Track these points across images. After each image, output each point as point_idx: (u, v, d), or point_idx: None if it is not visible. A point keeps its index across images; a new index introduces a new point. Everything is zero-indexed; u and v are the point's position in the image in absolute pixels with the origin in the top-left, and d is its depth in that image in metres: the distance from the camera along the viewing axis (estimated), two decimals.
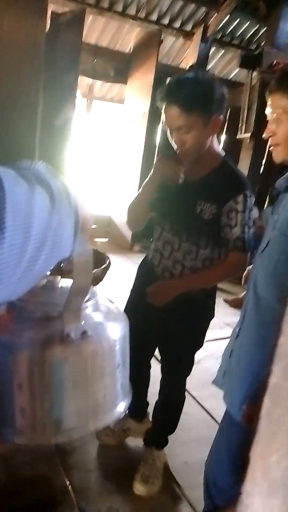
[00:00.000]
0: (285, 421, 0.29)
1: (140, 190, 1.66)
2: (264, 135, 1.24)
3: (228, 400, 1.33)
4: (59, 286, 0.78)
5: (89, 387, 0.71)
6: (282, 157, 1.23)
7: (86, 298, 0.74)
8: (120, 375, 0.77)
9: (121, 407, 0.76)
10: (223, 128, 6.32)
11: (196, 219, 1.53)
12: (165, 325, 1.71)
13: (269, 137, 1.24)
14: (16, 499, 1.69)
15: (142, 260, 1.84)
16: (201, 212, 1.52)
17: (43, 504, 1.69)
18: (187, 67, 5.83)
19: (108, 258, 1.91)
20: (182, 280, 1.63)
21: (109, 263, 1.87)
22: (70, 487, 1.78)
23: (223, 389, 1.36)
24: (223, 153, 1.59)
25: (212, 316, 1.78)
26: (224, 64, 6.67)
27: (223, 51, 6.37)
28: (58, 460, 1.91)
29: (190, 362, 1.84)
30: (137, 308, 1.74)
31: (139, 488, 1.81)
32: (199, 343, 1.81)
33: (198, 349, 1.83)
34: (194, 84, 1.43)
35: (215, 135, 1.55)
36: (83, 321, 0.71)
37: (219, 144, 1.61)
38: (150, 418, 2.02)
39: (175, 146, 1.52)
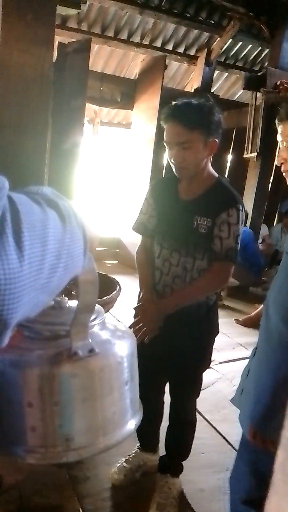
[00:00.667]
0: None
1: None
2: (276, 163, 1.28)
3: (241, 418, 1.31)
4: (67, 306, 0.79)
5: (98, 403, 0.71)
6: None
7: (93, 317, 0.75)
8: (129, 392, 0.77)
9: (131, 424, 0.76)
10: (215, 151, 6.37)
11: (193, 233, 1.61)
12: (170, 347, 1.71)
13: (281, 164, 1.26)
14: None
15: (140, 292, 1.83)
16: (197, 226, 1.61)
17: None
18: (192, 90, 5.94)
19: (118, 283, 1.91)
20: (168, 299, 1.65)
21: (119, 288, 1.87)
22: None
23: (240, 408, 1.35)
24: (216, 174, 1.70)
25: (217, 332, 1.78)
26: (228, 85, 6.78)
27: (227, 73, 6.48)
28: (71, 488, 1.87)
29: (199, 382, 1.83)
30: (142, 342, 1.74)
31: None
32: (206, 361, 1.81)
33: (206, 367, 1.83)
34: (199, 106, 1.55)
35: (210, 158, 1.66)
36: (90, 339, 0.71)
37: (222, 164, 1.68)
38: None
39: (173, 163, 1.60)
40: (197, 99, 1.61)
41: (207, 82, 5.92)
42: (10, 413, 0.70)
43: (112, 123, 6.58)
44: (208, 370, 3.37)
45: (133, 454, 1.99)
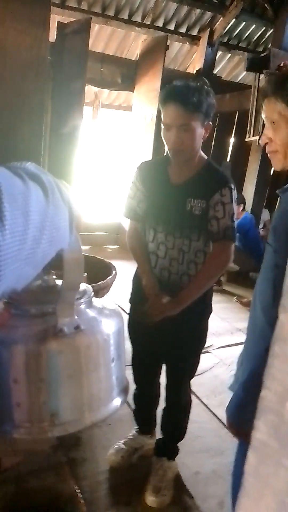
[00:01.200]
0: (273, 481, 0.27)
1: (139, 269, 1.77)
2: (260, 142, 1.21)
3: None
4: (54, 284, 0.80)
5: (84, 380, 0.73)
6: (282, 165, 1.17)
7: (80, 296, 0.76)
8: (115, 369, 0.78)
9: (117, 401, 0.78)
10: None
11: (187, 216, 1.62)
12: (166, 330, 1.71)
13: (265, 144, 1.18)
14: (25, 509, 1.68)
15: (136, 272, 1.84)
16: (191, 208, 1.61)
17: None
18: (194, 72, 5.83)
19: (114, 268, 1.90)
20: (178, 301, 1.63)
21: (115, 273, 1.86)
22: (80, 498, 1.77)
23: None
24: (206, 156, 1.70)
25: (211, 311, 1.81)
26: (231, 67, 6.65)
27: (229, 54, 6.36)
28: (68, 470, 1.90)
29: (195, 363, 1.85)
30: (138, 322, 1.75)
31: (150, 500, 1.79)
32: (201, 342, 1.82)
33: (202, 348, 1.84)
34: (198, 89, 1.54)
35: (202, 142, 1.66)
36: (77, 316, 0.73)
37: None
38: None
39: (169, 145, 1.59)
40: (193, 81, 1.59)
41: (210, 63, 5.81)
42: None
43: (112, 106, 6.49)
44: (206, 354, 3.40)
45: (131, 437, 2.02)
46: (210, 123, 1.60)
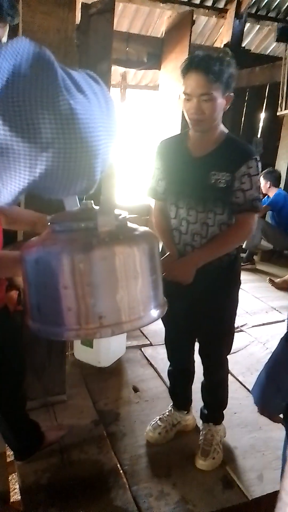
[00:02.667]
0: None
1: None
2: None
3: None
4: (91, 207, 0.87)
5: (126, 286, 0.79)
6: None
7: (119, 216, 0.83)
8: (153, 284, 0.85)
9: (155, 313, 0.84)
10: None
11: (211, 189, 1.61)
12: (196, 302, 1.73)
13: None
14: (69, 481, 1.76)
15: (162, 248, 1.84)
16: (215, 182, 1.60)
17: (96, 486, 1.75)
18: (222, 46, 5.66)
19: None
20: (197, 252, 1.66)
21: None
22: (121, 471, 1.83)
23: None
24: (226, 130, 1.68)
25: (239, 284, 1.82)
26: (260, 39, 6.41)
27: (258, 26, 6.13)
28: (108, 445, 1.96)
29: (228, 338, 1.87)
30: (170, 298, 1.76)
31: (200, 463, 1.87)
32: (232, 315, 1.84)
33: (233, 322, 1.85)
34: (220, 59, 1.52)
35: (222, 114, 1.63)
36: (116, 228, 0.80)
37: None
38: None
39: (190, 115, 1.58)
40: (215, 52, 1.58)
41: (238, 36, 5.62)
42: (47, 297, 0.79)
43: (139, 86, 6.41)
44: (240, 333, 3.39)
45: (167, 413, 2.06)
46: (232, 94, 1.58)
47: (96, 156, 0.65)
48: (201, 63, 1.50)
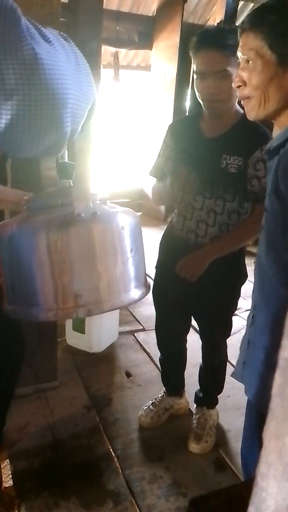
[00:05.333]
0: None
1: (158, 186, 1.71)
2: (233, 85, 1.03)
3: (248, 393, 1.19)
4: (69, 185, 0.85)
5: (103, 263, 0.77)
6: (255, 114, 1.00)
7: (97, 197, 0.81)
8: (134, 261, 0.83)
9: (136, 293, 0.82)
10: None
11: (222, 174, 1.52)
12: (197, 294, 1.70)
13: (238, 87, 1.00)
14: (61, 466, 1.76)
15: (163, 234, 1.82)
16: (227, 166, 1.50)
17: (88, 471, 1.75)
18: (215, 25, 5.54)
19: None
20: (210, 247, 1.59)
21: None
22: (114, 455, 1.83)
23: (244, 382, 1.20)
24: (242, 110, 1.56)
25: (245, 276, 1.73)
26: None
27: (252, 4, 5.99)
28: (101, 430, 1.96)
29: (228, 325, 1.85)
30: (166, 284, 1.74)
31: (193, 446, 1.88)
32: (234, 306, 1.81)
33: (234, 311, 1.83)
34: (232, 31, 1.41)
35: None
36: (93, 205, 0.78)
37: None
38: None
39: (205, 96, 1.47)
40: (226, 24, 1.50)
41: (231, 14, 5.49)
42: (21, 277, 0.78)
43: (130, 66, 6.28)
44: (234, 317, 3.38)
45: (159, 398, 2.06)
46: None
47: (64, 105, 0.62)
48: (215, 37, 1.39)
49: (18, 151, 0.65)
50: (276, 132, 1.02)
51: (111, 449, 1.86)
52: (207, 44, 1.40)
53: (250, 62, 0.96)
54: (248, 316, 1.20)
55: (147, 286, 0.86)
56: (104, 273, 0.76)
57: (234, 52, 1.37)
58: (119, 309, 2.69)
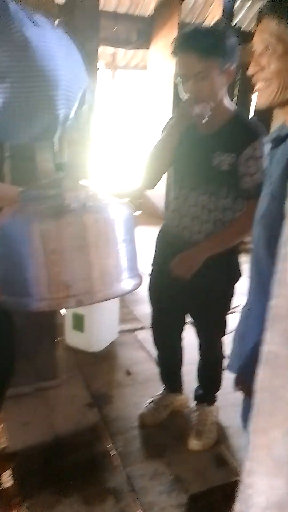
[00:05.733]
0: (285, 393, 0.26)
1: (163, 138, 1.62)
2: (249, 72, 0.98)
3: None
4: (63, 177, 0.86)
5: (93, 253, 0.77)
6: (271, 100, 0.97)
7: (89, 188, 0.82)
8: (126, 252, 0.83)
9: (128, 284, 0.82)
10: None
11: (213, 171, 1.53)
12: (193, 293, 1.71)
13: (256, 72, 0.97)
14: (63, 464, 1.77)
15: (160, 231, 1.82)
16: (219, 163, 1.52)
17: (90, 468, 1.76)
18: (213, 23, 5.55)
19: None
20: (204, 244, 1.60)
21: None
22: (115, 452, 1.84)
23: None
24: (234, 106, 1.59)
25: (240, 275, 1.74)
26: (252, 16, 6.28)
27: (250, 2, 5.99)
28: (102, 427, 1.97)
29: (224, 323, 1.85)
30: (162, 281, 1.75)
31: (194, 443, 1.88)
32: (228, 304, 1.81)
33: (229, 309, 1.83)
34: (211, 31, 1.43)
35: (227, 89, 1.54)
36: (85, 196, 0.79)
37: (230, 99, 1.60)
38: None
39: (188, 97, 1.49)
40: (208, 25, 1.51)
41: (229, 12, 5.49)
42: (13, 267, 0.78)
43: (129, 66, 6.28)
44: (232, 314, 3.38)
45: (160, 395, 2.06)
46: (234, 66, 1.46)
47: (56, 87, 0.62)
48: (190, 40, 1.40)
49: (11, 136, 0.65)
50: (278, 121, 1.02)
51: (112, 446, 1.87)
52: (183, 47, 1.42)
53: (270, 47, 0.94)
54: (243, 309, 1.21)
55: (140, 277, 0.87)
56: (96, 263, 0.76)
57: (213, 52, 1.39)
58: (119, 309, 2.70)
